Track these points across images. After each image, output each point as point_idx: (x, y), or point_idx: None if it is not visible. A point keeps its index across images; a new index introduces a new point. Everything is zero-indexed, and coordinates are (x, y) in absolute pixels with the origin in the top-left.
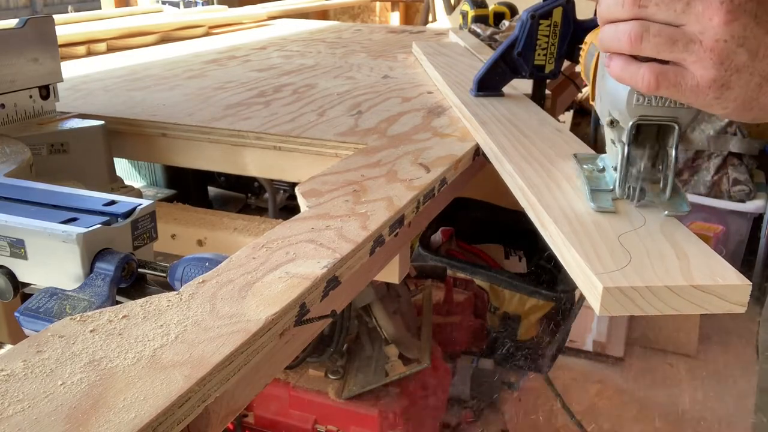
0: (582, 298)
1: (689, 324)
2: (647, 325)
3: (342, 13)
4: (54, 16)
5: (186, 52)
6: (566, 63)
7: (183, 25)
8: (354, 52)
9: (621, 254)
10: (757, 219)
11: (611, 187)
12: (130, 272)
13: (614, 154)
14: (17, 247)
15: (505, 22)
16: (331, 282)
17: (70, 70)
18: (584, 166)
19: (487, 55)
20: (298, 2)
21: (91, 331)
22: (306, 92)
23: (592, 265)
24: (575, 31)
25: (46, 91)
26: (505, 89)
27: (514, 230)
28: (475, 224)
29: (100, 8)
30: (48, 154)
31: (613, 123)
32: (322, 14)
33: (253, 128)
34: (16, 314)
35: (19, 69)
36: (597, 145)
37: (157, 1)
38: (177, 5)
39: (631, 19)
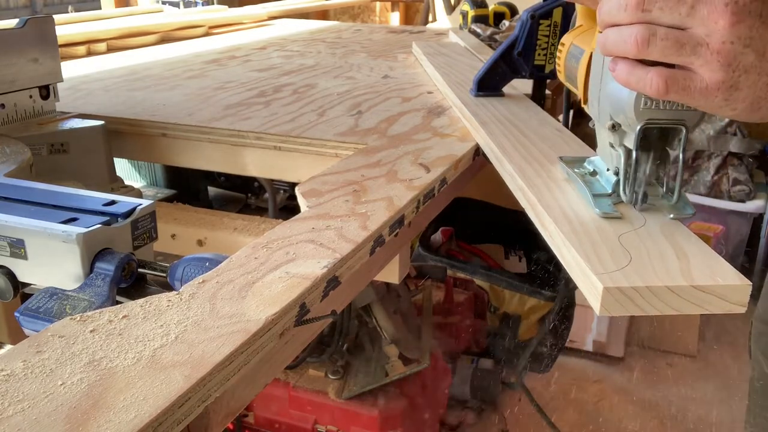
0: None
1: (689, 324)
2: (647, 325)
3: (342, 13)
4: (54, 16)
5: (186, 52)
6: None
7: (183, 25)
8: (354, 52)
9: (621, 254)
10: (757, 219)
11: (610, 191)
12: (130, 272)
13: (612, 157)
14: (17, 247)
15: (505, 22)
16: (331, 282)
17: (70, 70)
18: (575, 170)
19: (487, 55)
20: (298, 2)
21: (91, 331)
22: (306, 92)
23: (592, 266)
24: None
25: (46, 91)
26: (505, 89)
27: (514, 230)
28: (475, 224)
29: (100, 8)
30: (48, 154)
31: (615, 127)
32: (322, 14)
33: (253, 128)
34: (16, 314)
35: (19, 69)
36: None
37: (157, 1)
38: (177, 5)
39: (635, 23)
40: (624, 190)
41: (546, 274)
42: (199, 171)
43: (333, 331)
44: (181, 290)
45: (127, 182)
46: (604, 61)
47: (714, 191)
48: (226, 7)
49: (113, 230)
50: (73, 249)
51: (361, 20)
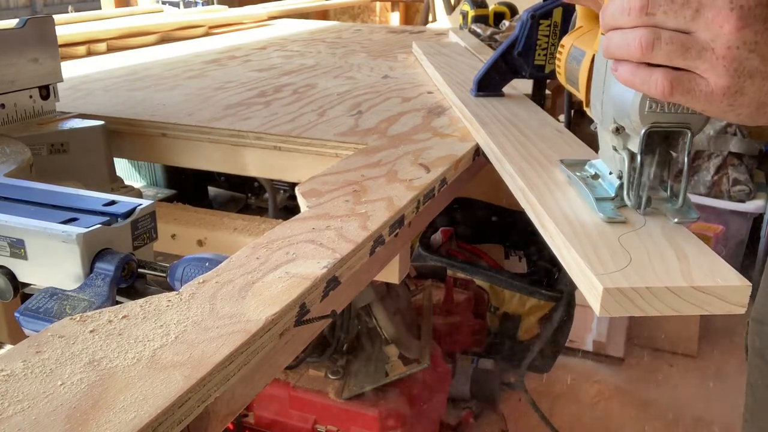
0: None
1: (689, 324)
2: (647, 325)
3: (342, 13)
4: (54, 16)
5: (186, 52)
6: None
7: (183, 25)
8: (354, 52)
9: (621, 255)
10: (757, 219)
11: (612, 195)
12: (130, 272)
13: (616, 161)
14: (17, 247)
15: (505, 22)
16: (331, 282)
17: (70, 70)
18: (576, 173)
19: (487, 55)
20: (298, 2)
21: (90, 331)
22: (306, 92)
23: (592, 266)
24: None
25: (46, 91)
26: (505, 89)
27: (514, 230)
28: (475, 224)
29: (100, 8)
30: (48, 154)
31: (618, 130)
32: (322, 14)
33: (253, 128)
34: (16, 314)
35: (19, 69)
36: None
37: (157, 1)
38: (177, 5)
39: (639, 27)
40: (628, 194)
41: (546, 274)
42: (200, 171)
43: (333, 331)
44: (180, 290)
45: (127, 182)
46: (607, 64)
47: (714, 191)
48: (226, 7)
49: (113, 230)
50: (73, 249)
51: (361, 20)
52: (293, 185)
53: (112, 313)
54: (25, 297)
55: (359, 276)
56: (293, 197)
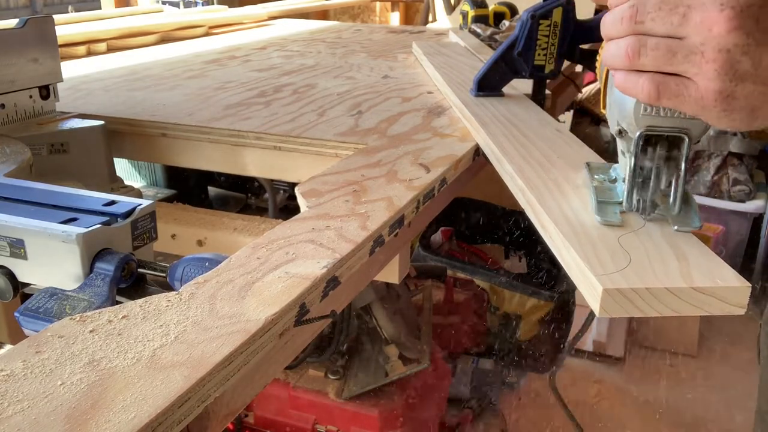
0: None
1: (689, 324)
2: (647, 325)
3: (342, 13)
4: (54, 16)
5: (186, 52)
6: (566, 63)
7: (183, 25)
8: (354, 52)
9: (621, 256)
10: (757, 219)
11: (621, 199)
12: (130, 272)
13: (624, 164)
14: (17, 247)
15: (505, 22)
16: (330, 282)
17: (70, 70)
18: (595, 176)
19: (487, 55)
20: (298, 2)
21: (90, 331)
22: (306, 92)
23: (591, 267)
24: (575, 31)
25: (46, 91)
26: (505, 89)
27: (514, 230)
28: (475, 224)
29: (100, 8)
30: (48, 154)
31: (621, 133)
32: (322, 14)
33: (253, 128)
34: (16, 314)
35: (19, 69)
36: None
37: (157, 1)
38: (177, 5)
39: (629, 35)
40: (628, 197)
41: (546, 274)
42: (200, 171)
43: (333, 331)
44: (180, 290)
45: (127, 182)
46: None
47: (714, 191)
48: (226, 7)
49: (113, 230)
50: (73, 249)
51: (361, 20)
52: (293, 185)
53: (112, 313)
54: (25, 297)
55: (359, 276)
56: (293, 197)
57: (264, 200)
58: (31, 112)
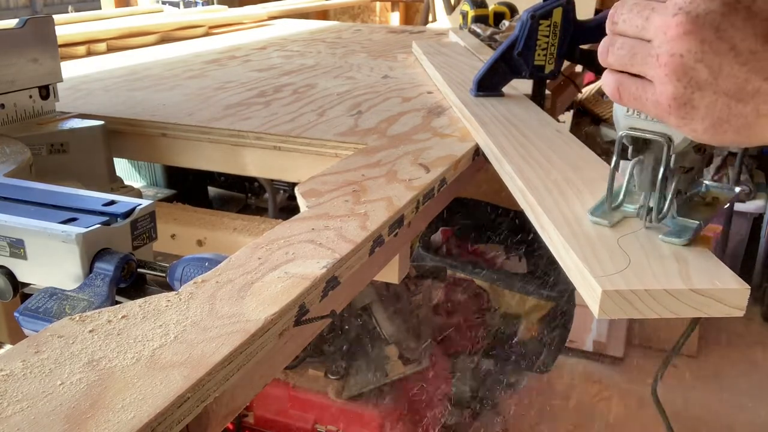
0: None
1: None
2: (647, 325)
3: (342, 13)
4: (54, 16)
5: (186, 52)
6: (566, 63)
7: (183, 25)
8: (354, 52)
9: (620, 257)
10: (757, 219)
11: (618, 202)
12: (130, 272)
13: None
14: (17, 247)
15: (505, 22)
16: (330, 282)
17: (70, 70)
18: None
19: (487, 55)
20: (298, 2)
21: (90, 331)
22: (306, 92)
23: (591, 268)
24: (575, 31)
25: (46, 91)
26: (505, 89)
27: (514, 230)
28: (475, 224)
29: (100, 8)
30: (48, 154)
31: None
32: (322, 14)
33: (253, 128)
34: (16, 314)
35: (19, 69)
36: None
37: (157, 1)
38: (177, 5)
39: (609, 34)
40: (606, 198)
41: (546, 274)
42: (200, 171)
43: (333, 331)
44: (180, 290)
45: (127, 182)
46: None
47: None
48: (226, 7)
49: (113, 230)
50: (73, 249)
51: (361, 20)
52: (293, 185)
53: (112, 313)
54: (25, 297)
55: (359, 276)
56: (293, 197)
57: (264, 200)
58: (31, 112)
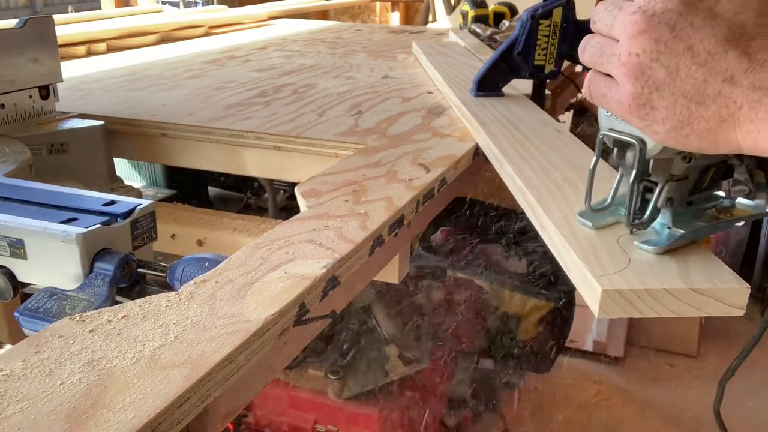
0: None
1: (689, 324)
2: (647, 325)
3: (342, 13)
4: (54, 16)
5: (186, 52)
6: (566, 63)
7: (183, 25)
8: (354, 52)
9: (620, 257)
10: (758, 219)
11: (605, 204)
12: (130, 272)
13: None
14: (17, 247)
15: (505, 22)
16: (330, 282)
17: (70, 70)
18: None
19: (487, 55)
20: (298, 2)
21: (90, 331)
22: (306, 92)
23: (591, 268)
24: (575, 31)
25: (46, 91)
26: (505, 89)
27: (514, 230)
28: (475, 224)
29: (100, 8)
30: (48, 154)
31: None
32: (322, 14)
33: (253, 128)
34: (16, 314)
35: (19, 69)
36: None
37: (157, 1)
38: (177, 5)
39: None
40: (585, 198)
41: (546, 273)
42: (200, 171)
43: (333, 331)
44: (180, 290)
45: (127, 182)
46: None
47: None
48: (226, 7)
49: (113, 230)
50: (73, 249)
51: (361, 20)
52: (293, 185)
53: (112, 313)
54: (25, 297)
55: (359, 276)
56: (293, 197)
57: (264, 200)
58: (30, 112)
